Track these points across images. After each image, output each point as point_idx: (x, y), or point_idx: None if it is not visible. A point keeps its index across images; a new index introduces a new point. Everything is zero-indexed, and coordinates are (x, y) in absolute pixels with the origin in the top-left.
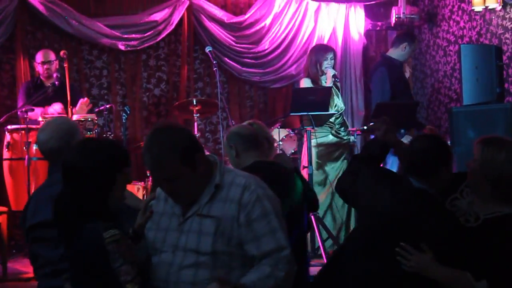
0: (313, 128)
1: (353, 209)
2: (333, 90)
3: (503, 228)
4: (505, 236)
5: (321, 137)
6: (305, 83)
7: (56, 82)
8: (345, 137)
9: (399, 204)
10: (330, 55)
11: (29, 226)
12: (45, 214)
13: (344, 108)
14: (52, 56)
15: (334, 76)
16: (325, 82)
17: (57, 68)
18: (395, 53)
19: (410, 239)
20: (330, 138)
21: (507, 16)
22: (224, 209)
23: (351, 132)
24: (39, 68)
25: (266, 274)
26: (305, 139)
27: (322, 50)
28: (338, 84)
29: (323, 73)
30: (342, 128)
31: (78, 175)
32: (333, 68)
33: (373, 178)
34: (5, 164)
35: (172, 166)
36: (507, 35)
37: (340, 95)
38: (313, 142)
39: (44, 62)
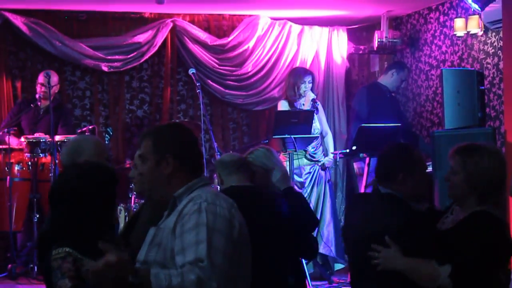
0: (295, 151)
1: None
2: None
3: (470, 220)
4: (471, 227)
5: (295, 159)
6: (282, 105)
7: (51, 105)
8: (319, 160)
9: (368, 214)
10: (308, 78)
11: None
12: None
13: (320, 130)
14: (53, 80)
15: (313, 100)
16: (303, 105)
17: (55, 92)
18: (384, 79)
19: (379, 240)
20: (304, 161)
21: (489, 41)
22: (169, 220)
23: (333, 155)
24: (37, 88)
25: (174, 273)
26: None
27: (300, 73)
28: (318, 106)
29: (301, 96)
30: (318, 151)
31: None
32: (312, 91)
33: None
34: None
35: (146, 144)
36: (488, 60)
37: (316, 119)
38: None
39: (39, 83)
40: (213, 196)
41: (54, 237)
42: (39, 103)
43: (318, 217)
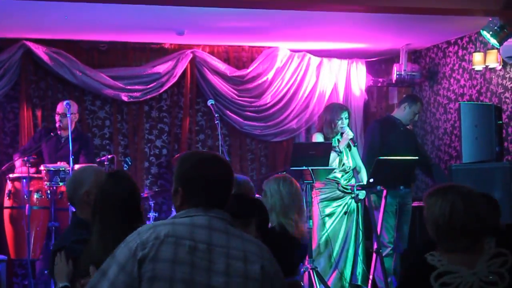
0: (313, 183)
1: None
2: (344, 149)
3: None
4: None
5: (327, 193)
6: (317, 138)
7: (71, 135)
8: (352, 192)
9: None
10: (345, 115)
11: None
12: None
13: (352, 167)
14: (72, 108)
15: (352, 139)
16: (339, 141)
17: (75, 121)
18: (397, 113)
19: None
20: (337, 193)
21: (507, 75)
22: None
23: (353, 188)
24: (56, 117)
25: None
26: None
27: (337, 109)
28: (353, 145)
29: (337, 133)
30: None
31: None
32: (349, 126)
33: None
34: (6, 212)
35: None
36: (507, 94)
37: (350, 155)
38: (320, 198)
39: (58, 113)
40: (148, 226)
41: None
42: (59, 132)
43: (344, 247)
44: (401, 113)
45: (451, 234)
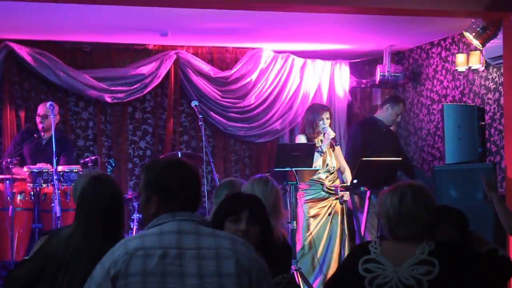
0: (297, 184)
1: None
2: (327, 149)
3: None
4: None
5: (312, 194)
6: (300, 140)
7: (53, 136)
8: (338, 194)
9: None
10: (326, 115)
11: None
12: None
13: (336, 167)
14: (52, 111)
15: (333, 139)
16: (321, 141)
17: (56, 123)
18: (380, 114)
19: None
20: (322, 194)
21: (490, 76)
22: None
23: (334, 188)
24: (39, 119)
25: None
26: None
27: (318, 109)
28: (335, 145)
29: (319, 133)
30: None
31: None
32: (330, 126)
33: None
34: None
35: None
36: (489, 95)
37: (333, 156)
38: (304, 199)
39: (39, 115)
40: (121, 243)
41: None
42: (42, 134)
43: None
44: (384, 114)
45: (399, 221)
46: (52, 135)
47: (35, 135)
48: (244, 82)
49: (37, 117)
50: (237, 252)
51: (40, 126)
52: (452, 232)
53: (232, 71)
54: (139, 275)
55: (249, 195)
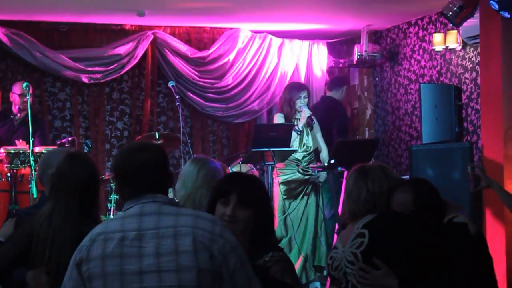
0: (274, 164)
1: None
2: (304, 129)
3: None
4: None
5: (288, 174)
6: (278, 119)
7: (29, 117)
8: (313, 175)
9: None
10: (304, 94)
11: None
12: None
13: (313, 147)
14: (29, 91)
15: (309, 117)
16: (299, 120)
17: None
18: (337, 95)
19: None
20: (297, 175)
21: (467, 56)
22: None
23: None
24: (15, 99)
25: None
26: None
27: (295, 88)
28: (313, 124)
29: (297, 111)
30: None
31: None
32: (308, 106)
33: None
34: None
35: None
36: (466, 75)
37: (310, 135)
38: (280, 179)
39: (16, 93)
40: (91, 231)
41: None
42: (19, 114)
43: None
44: (340, 94)
45: (345, 200)
46: (25, 116)
47: (11, 115)
48: (221, 63)
49: (13, 95)
50: (196, 228)
51: (16, 107)
52: (407, 202)
53: (210, 51)
54: (99, 259)
55: (244, 176)
